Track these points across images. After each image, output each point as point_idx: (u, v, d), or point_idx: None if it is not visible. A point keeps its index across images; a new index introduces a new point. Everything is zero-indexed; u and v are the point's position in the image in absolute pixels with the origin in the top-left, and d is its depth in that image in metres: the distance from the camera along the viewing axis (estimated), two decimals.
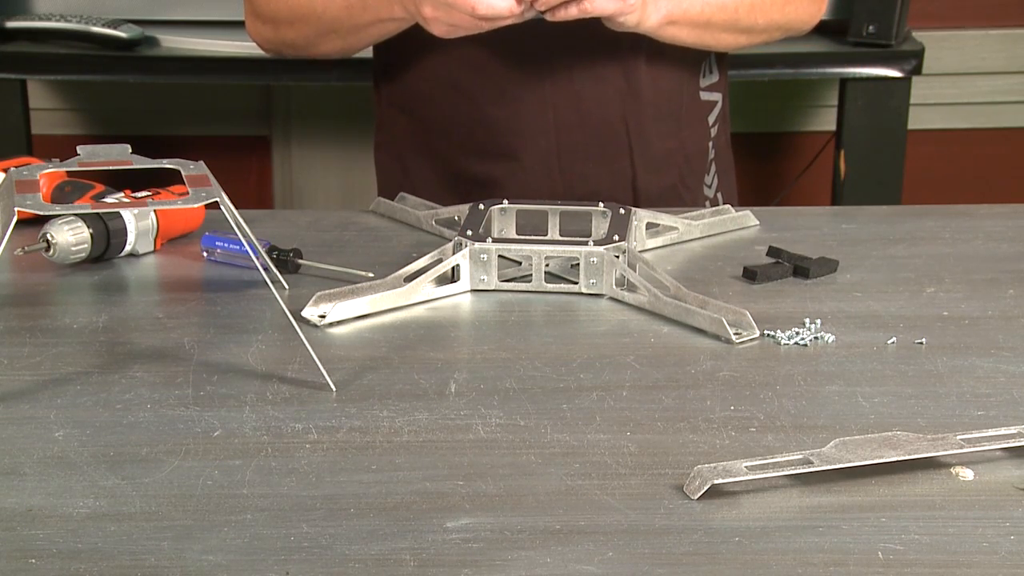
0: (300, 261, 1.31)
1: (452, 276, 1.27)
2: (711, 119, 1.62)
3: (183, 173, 1.10)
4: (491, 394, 1.06)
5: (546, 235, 1.34)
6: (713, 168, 1.65)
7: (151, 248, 1.36)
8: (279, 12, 1.56)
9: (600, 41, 1.48)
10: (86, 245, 1.30)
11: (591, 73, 1.50)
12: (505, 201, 1.36)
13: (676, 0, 1.45)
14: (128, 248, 1.34)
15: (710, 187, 1.65)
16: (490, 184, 1.51)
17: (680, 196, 1.60)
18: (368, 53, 1.63)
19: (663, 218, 1.40)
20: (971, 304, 1.24)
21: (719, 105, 1.63)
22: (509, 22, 1.36)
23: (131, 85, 2.44)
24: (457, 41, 1.45)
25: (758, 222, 1.46)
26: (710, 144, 1.63)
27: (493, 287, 1.27)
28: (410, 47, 1.52)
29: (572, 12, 1.36)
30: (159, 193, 1.33)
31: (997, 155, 2.71)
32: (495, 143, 1.53)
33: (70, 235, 1.29)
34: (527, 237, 1.32)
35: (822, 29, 2.27)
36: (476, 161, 1.55)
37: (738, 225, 1.45)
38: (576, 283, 1.27)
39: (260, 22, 1.60)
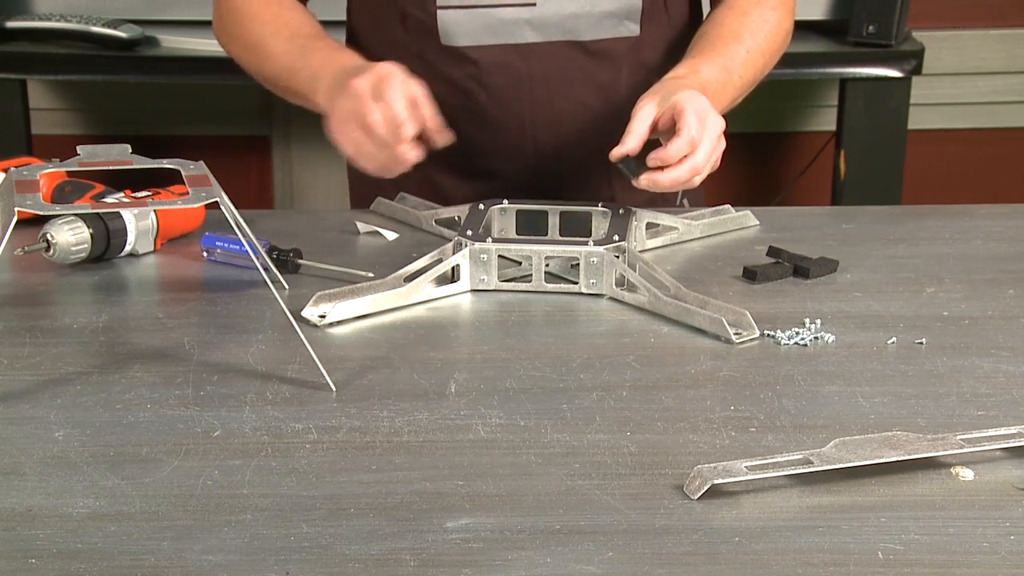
0: (300, 261, 1.31)
1: (452, 276, 1.27)
2: None
3: (183, 173, 1.10)
4: (491, 394, 1.06)
5: (546, 235, 1.34)
6: None
7: (151, 248, 1.36)
8: (234, 30, 1.48)
9: (580, 66, 1.47)
10: (86, 245, 1.30)
11: (570, 97, 1.48)
12: (505, 201, 1.36)
13: (717, 102, 1.41)
14: (128, 248, 1.34)
15: (676, 194, 1.64)
16: (467, 201, 1.50)
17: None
18: None
19: (663, 218, 1.40)
20: (971, 304, 1.24)
21: None
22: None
23: (131, 85, 2.44)
24: (440, 64, 1.45)
25: (758, 222, 1.46)
26: None
27: (493, 287, 1.27)
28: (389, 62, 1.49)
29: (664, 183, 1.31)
30: (159, 193, 1.33)
31: (997, 155, 2.71)
32: (472, 164, 1.52)
33: (70, 235, 1.29)
34: (527, 237, 1.32)
35: (822, 29, 2.28)
36: (452, 178, 1.54)
37: (738, 225, 1.45)
38: (576, 283, 1.27)
39: (220, 26, 1.52)
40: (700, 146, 1.28)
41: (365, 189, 1.56)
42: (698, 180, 1.30)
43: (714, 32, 1.47)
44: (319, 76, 1.34)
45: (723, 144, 1.33)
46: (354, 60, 1.35)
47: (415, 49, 1.47)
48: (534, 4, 1.42)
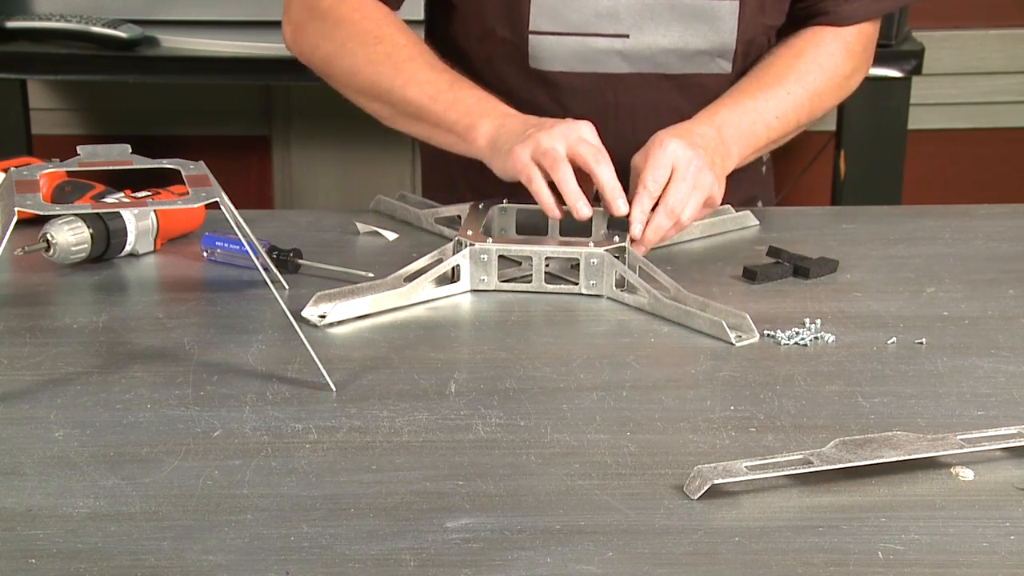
0: (300, 261, 1.31)
1: (452, 276, 1.27)
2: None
3: (183, 173, 1.10)
4: (491, 394, 1.06)
5: (546, 235, 1.34)
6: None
7: (151, 248, 1.36)
8: (348, 43, 1.43)
9: (667, 98, 1.47)
10: (86, 245, 1.30)
11: (654, 128, 1.42)
12: (505, 201, 1.36)
13: (742, 144, 1.42)
14: (128, 248, 1.34)
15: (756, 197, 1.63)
16: None
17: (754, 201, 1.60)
18: None
19: None
20: (971, 304, 1.24)
21: None
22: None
23: (131, 85, 2.44)
24: (523, 86, 1.45)
25: (758, 222, 1.46)
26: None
27: (493, 287, 1.27)
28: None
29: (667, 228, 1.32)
30: (159, 193, 1.33)
31: (997, 155, 2.71)
32: (551, 188, 1.47)
33: (70, 235, 1.29)
34: (527, 237, 1.32)
35: None
36: (531, 199, 1.45)
37: (738, 225, 1.45)
38: (576, 284, 1.27)
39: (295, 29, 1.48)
40: (667, 200, 1.29)
41: (437, 179, 1.56)
42: (673, 232, 1.31)
43: (762, 72, 1.46)
44: (481, 115, 1.35)
45: (712, 194, 1.32)
46: (509, 109, 1.36)
47: (496, 68, 1.47)
48: (627, 36, 1.42)
